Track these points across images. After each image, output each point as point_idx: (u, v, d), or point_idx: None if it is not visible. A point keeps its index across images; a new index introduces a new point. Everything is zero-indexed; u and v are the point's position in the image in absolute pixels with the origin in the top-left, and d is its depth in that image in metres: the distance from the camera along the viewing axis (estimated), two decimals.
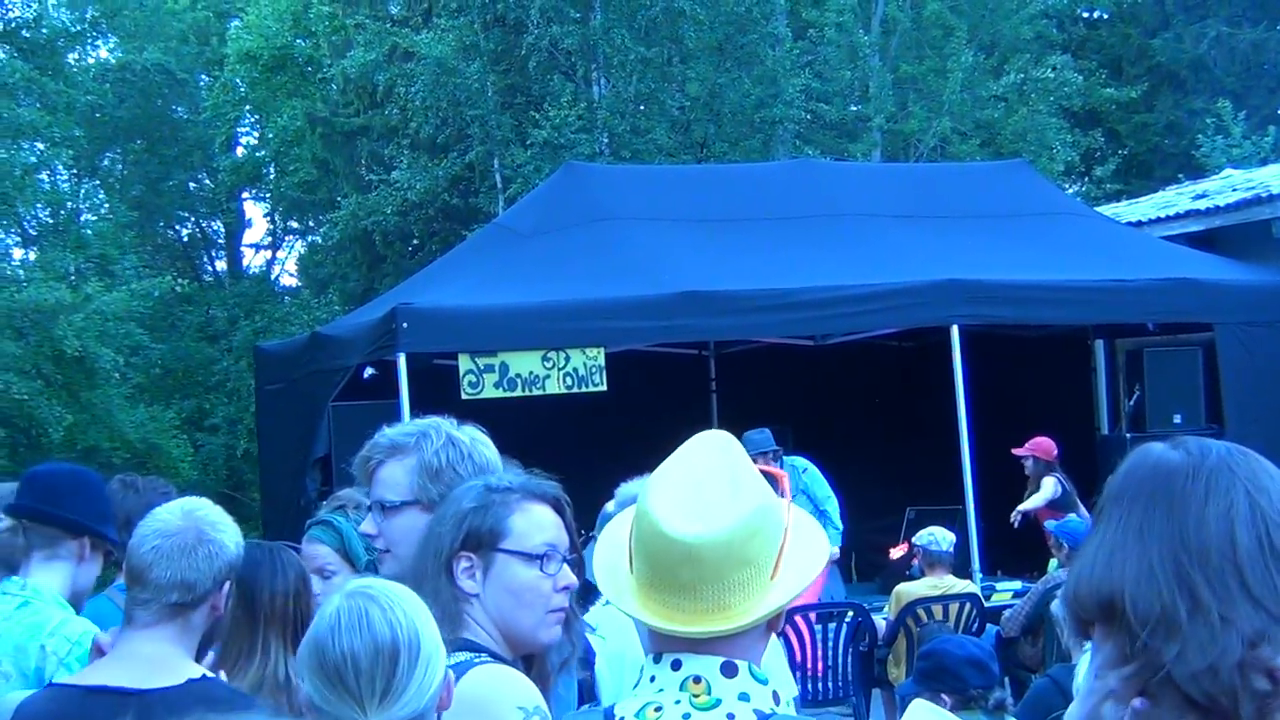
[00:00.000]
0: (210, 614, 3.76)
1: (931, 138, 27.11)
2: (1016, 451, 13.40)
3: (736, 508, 2.42)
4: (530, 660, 3.34)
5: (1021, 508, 13.14)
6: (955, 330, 12.81)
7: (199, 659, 3.79)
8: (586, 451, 14.70)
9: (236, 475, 29.68)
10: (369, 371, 12.40)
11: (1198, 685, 1.83)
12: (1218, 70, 33.02)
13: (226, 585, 3.77)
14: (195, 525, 3.74)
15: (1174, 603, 1.85)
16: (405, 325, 11.59)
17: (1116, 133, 33.14)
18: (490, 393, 11.80)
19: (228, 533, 3.79)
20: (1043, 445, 13.46)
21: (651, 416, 14.96)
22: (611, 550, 2.61)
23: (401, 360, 11.60)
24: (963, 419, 12.81)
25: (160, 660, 3.64)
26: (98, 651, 3.90)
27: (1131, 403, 14.57)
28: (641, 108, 25.77)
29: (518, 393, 11.93)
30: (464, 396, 11.65)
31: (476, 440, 3.83)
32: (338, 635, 2.76)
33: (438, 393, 11.71)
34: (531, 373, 11.94)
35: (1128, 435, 14.32)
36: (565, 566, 3.30)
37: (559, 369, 12.01)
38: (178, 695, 3.56)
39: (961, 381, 12.80)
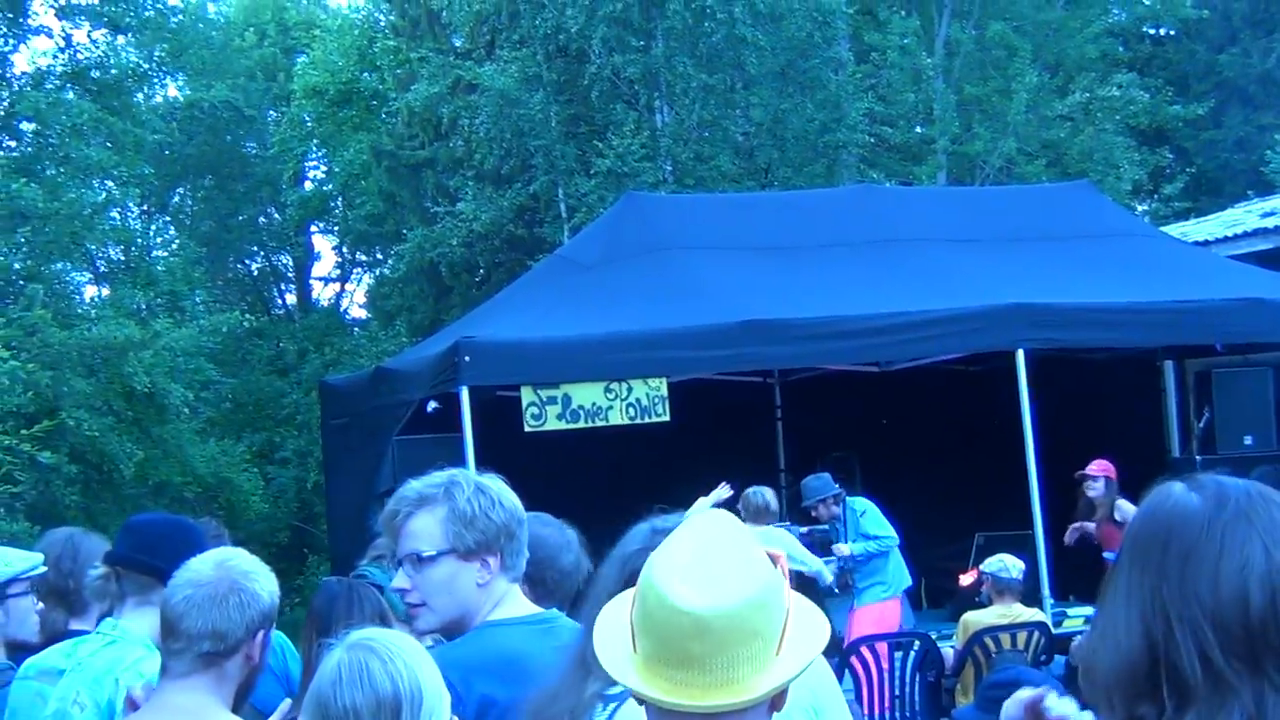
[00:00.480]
0: (245, 664, 3.76)
1: (997, 159, 26.97)
2: (1091, 471, 13.12)
3: (745, 580, 2.40)
4: None
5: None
6: (1020, 355, 12.71)
7: (237, 709, 3.79)
8: (652, 482, 14.70)
9: (308, 508, 29.80)
10: (432, 405, 12.41)
11: None
12: None
13: (260, 634, 3.76)
14: (228, 575, 3.76)
15: (1192, 667, 1.79)
16: (467, 358, 11.60)
17: (1184, 150, 32.90)
18: (553, 424, 11.81)
19: (261, 582, 3.80)
20: (1110, 468, 13.30)
21: (717, 445, 14.98)
22: (612, 629, 2.57)
23: (464, 393, 11.60)
24: (1030, 444, 12.69)
25: (194, 711, 3.65)
26: (130, 705, 3.91)
27: (1201, 425, 14.41)
28: (705, 134, 25.77)
29: (581, 424, 11.92)
30: (527, 429, 11.68)
31: (503, 488, 3.84)
32: (339, 689, 2.76)
33: (501, 425, 11.74)
34: (594, 404, 11.93)
35: (1198, 457, 14.18)
36: None
37: (622, 400, 11.99)
38: None
39: (1028, 406, 12.69)
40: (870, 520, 13.20)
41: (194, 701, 3.66)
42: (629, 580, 3.20)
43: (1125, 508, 13.00)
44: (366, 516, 12.40)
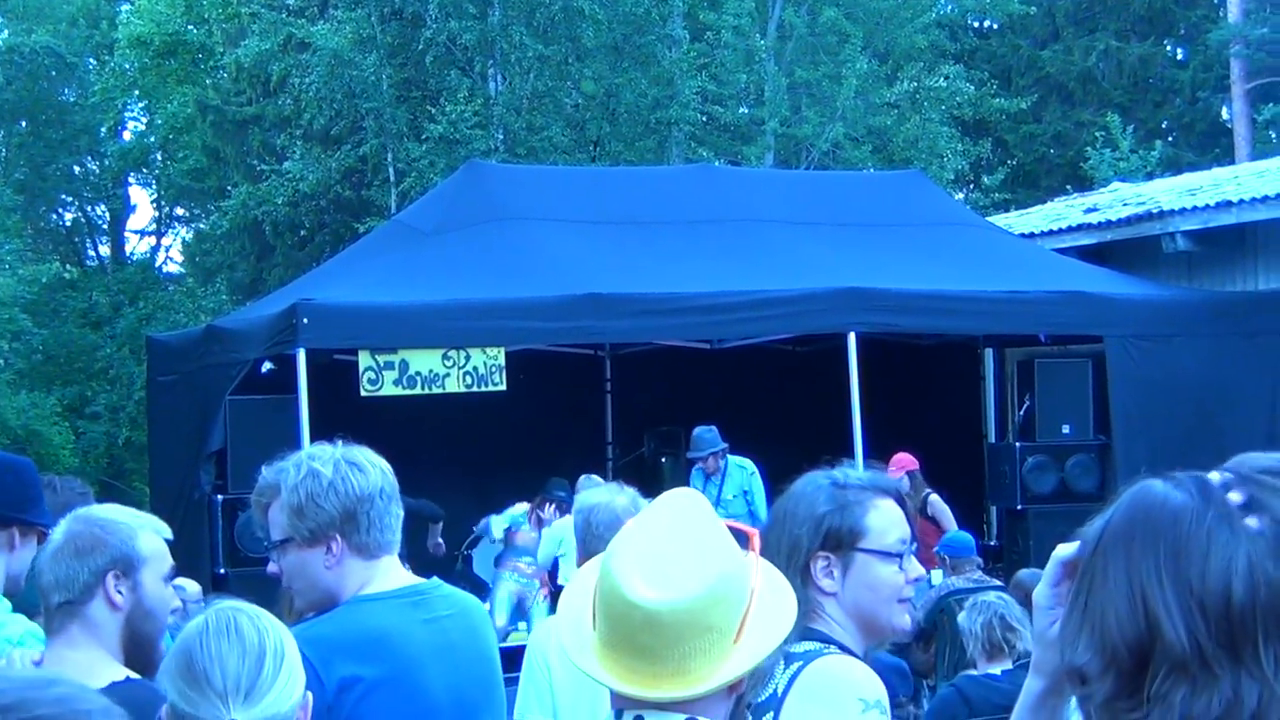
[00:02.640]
0: (111, 609, 3.74)
1: (824, 143, 27.27)
2: (891, 472, 13.05)
3: (701, 574, 2.40)
4: None
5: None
6: (852, 337, 12.93)
7: (143, 663, 3.77)
8: (484, 449, 14.79)
9: (117, 464, 29.38)
10: (267, 366, 12.33)
11: None
12: (1105, 83, 33.55)
13: (112, 576, 3.73)
14: (69, 527, 3.76)
15: (1181, 646, 1.91)
16: (305, 320, 11.51)
17: (1004, 142, 33.56)
18: (389, 390, 11.78)
19: (108, 528, 3.76)
20: (906, 461, 13.41)
21: (547, 415, 15.07)
22: (578, 600, 2.57)
23: (301, 356, 11.52)
24: (857, 425, 12.93)
25: (83, 666, 3.62)
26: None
27: (1021, 412, 14.78)
28: (537, 105, 25.77)
29: (417, 390, 11.91)
30: (363, 393, 11.64)
31: (350, 465, 3.77)
32: (205, 639, 2.79)
33: (337, 389, 11.71)
34: (431, 371, 11.92)
35: (1016, 444, 14.55)
36: (913, 559, 3.39)
37: (459, 368, 12.00)
38: None
39: (857, 388, 12.92)
40: (758, 481, 13.31)
41: (77, 657, 3.65)
42: (825, 541, 3.26)
43: (936, 503, 13.27)
44: (195, 475, 12.30)
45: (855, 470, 3.43)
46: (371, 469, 3.79)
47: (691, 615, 2.37)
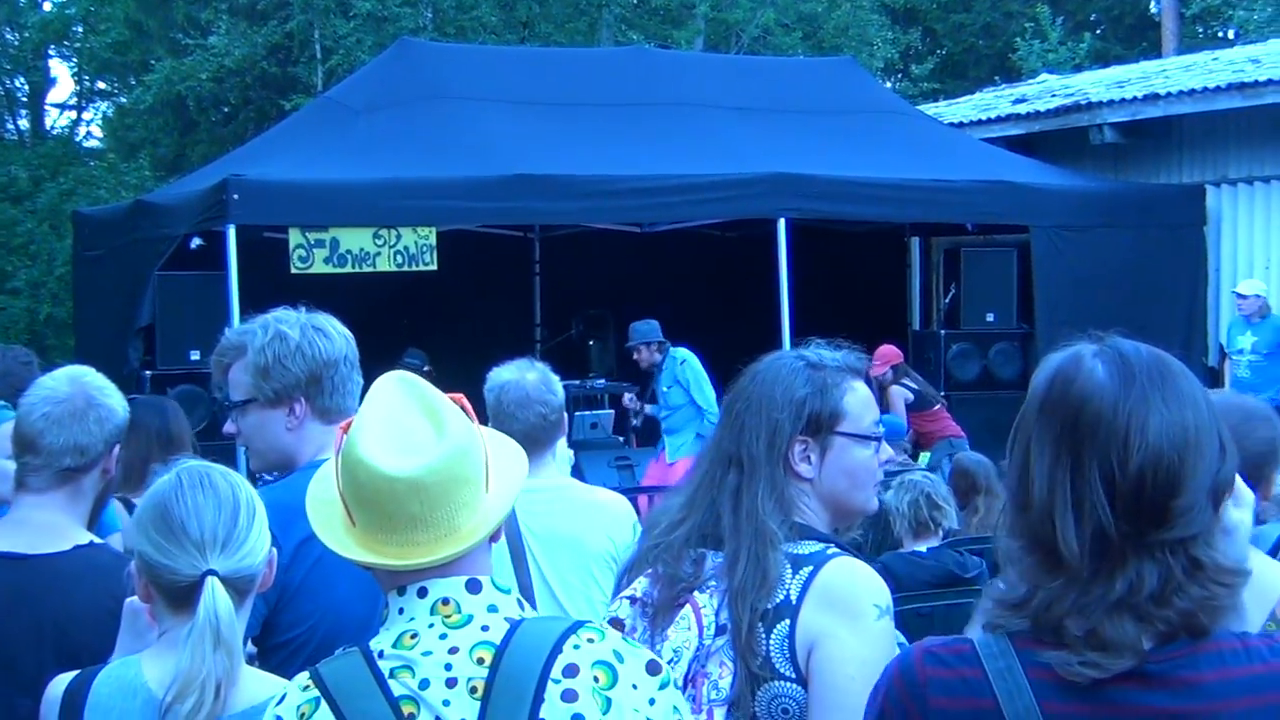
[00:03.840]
0: (101, 478, 3.80)
1: (754, 28, 27.17)
2: (876, 373, 13.22)
3: (442, 434, 2.48)
4: None
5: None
6: (782, 223, 12.99)
7: (90, 525, 3.82)
8: (413, 328, 14.81)
9: (39, 340, 29.01)
10: (196, 242, 12.25)
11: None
12: None
13: (116, 449, 3.80)
14: (83, 390, 3.78)
15: (1081, 538, 2.03)
16: (236, 197, 11.46)
17: (933, 32, 33.54)
18: (320, 268, 11.76)
19: (115, 398, 3.84)
20: (891, 354, 13.58)
21: (476, 296, 15.06)
22: (325, 508, 2.59)
23: (231, 232, 11.47)
24: (785, 310, 13.02)
25: (51, 527, 3.70)
26: None
27: (947, 300, 14.93)
28: None
29: (348, 269, 11.90)
30: (293, 271, 11.61)
31: (315, 330, 3.86)
32: (181, 493, 2.85)
33: (267, 266, 11.65)
34: (362, 249, 11.91)
35: (941, 332, 14.72)
36: (884, 441, 3.35)
37: (390, 246, 11.99)
38: (66, 560, 3.65)
39: (786, 274, 13.00)
40: (690, 370, 13.23)
41: (51, 518, 3.70)
42: (807, 425, 3.18)
43: (895, 391, 13.40)
44: (123, 350, 12.24)
45: (825, 349, 3.31)
46: (336, 335, 3.89)
47: (449, 472, 2.45)
